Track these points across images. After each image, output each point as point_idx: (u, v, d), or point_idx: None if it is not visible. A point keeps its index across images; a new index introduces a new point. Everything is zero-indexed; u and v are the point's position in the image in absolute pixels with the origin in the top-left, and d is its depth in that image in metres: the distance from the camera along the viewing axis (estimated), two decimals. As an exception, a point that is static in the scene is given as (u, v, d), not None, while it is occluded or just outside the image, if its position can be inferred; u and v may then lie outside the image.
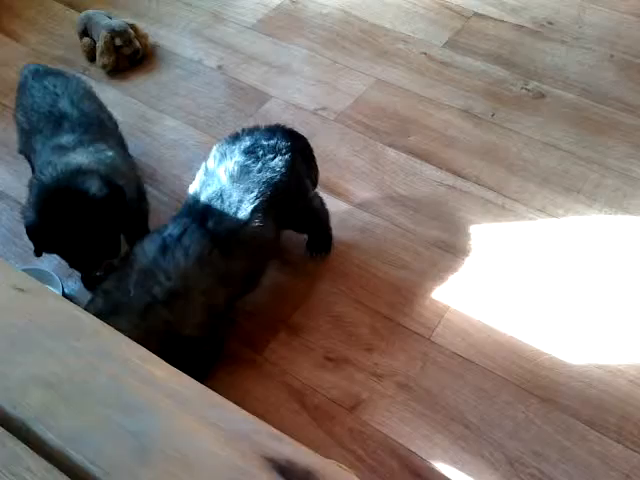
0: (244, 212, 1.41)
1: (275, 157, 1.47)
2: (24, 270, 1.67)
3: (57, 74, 1.71)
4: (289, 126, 1.64)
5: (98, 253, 1.44)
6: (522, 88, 2.10)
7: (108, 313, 1.32)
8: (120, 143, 1.70)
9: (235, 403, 1.41)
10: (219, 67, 2.28)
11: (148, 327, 1.34)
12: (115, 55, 2.24)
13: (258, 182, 1.44)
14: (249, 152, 1.47)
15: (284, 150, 1.49)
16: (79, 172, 1.41)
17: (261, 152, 1.47)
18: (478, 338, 1.56)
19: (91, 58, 2.31)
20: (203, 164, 1.51)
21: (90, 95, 1.70)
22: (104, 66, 2.25)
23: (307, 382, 1.52)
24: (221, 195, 1.42)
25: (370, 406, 1.48)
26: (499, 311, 1.60)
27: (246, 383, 1.52)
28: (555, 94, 2.08)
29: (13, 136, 2.04)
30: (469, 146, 1.95)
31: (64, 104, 1.58)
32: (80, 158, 1.46)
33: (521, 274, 1.66)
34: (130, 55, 2.27)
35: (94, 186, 1.39)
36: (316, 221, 1.67)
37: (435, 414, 1.45)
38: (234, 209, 1.41)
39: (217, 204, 1.41)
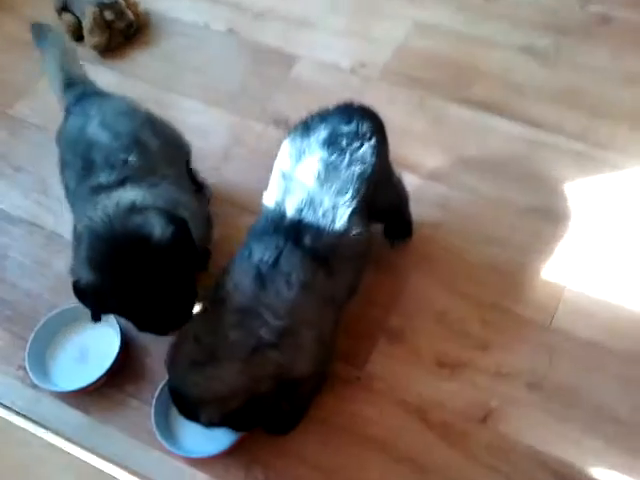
0: (341, 220, 1.18)
1: (361, 145, 1.23)
2: (70, 310, 1.44)
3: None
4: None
5: (175, 307, 1.20)
6: (583, 13, 1.85)
7: (205, 362, 1.12)
8: (182, 174, 1.43)
9: (346, 429, 1.22)
10: (229, 30, 1.98)
11: (255, 373, 1.13)
12: (108, 31, 1.92)
13: (349, 179, 1.20)
14: (330, 144, 1.22)
15: (368, 134, 1.25)
16: (134, 210, 1.16)
17: (344, 142, 1.22)
18: (605, 318, 1.38)
19: (77, 37, 1.98)
20: (276, 167, 1.26)
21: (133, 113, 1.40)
22: (96, 46, 1.93)
23: (424, 395, 1.33)
24: (311, 203, 1.18)
25: (503, 414, 1.30)
26: (622, 282, 1.41)
27: (353, 406, 1.33)
28: (621, 17, 1.83)
29: (14, 148, 1.77)
30: (541, 90, 1.71)
31: (93, 128, 1.31)
32: (131, 193, 1.20)
33: (636, 234, 1.47)
34: (124, 29, 1.95)
35: (157, 225, 1.15)
36: (400, 206, 1.44)
37: (578, 413, 1.28)
38: (330, 218, 1.18)
39: (309, 215, 1.17)
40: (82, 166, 1.27)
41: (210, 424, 1.16)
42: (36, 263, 1.57)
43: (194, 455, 1.27)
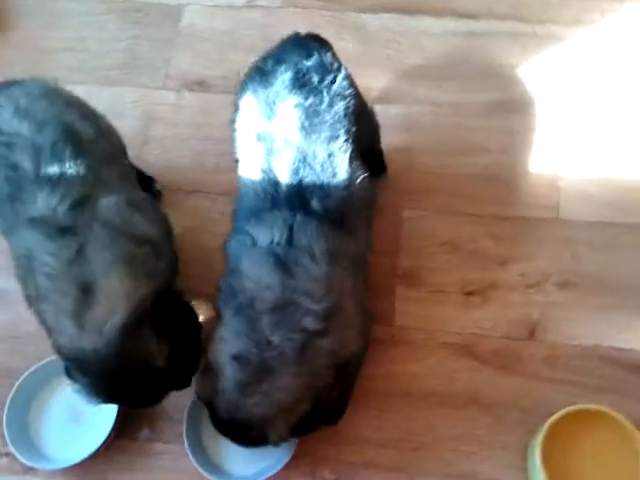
0: (342, 168, 1.02)
1: (335, 78, 1.06)
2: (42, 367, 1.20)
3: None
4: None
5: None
6: None
7: (256, 379, 0.95)
8: (126, 174, 1.16)
9: (397, 393, 1.10)
10: (91, -6, 1.67)
11: (311, 370, 0.98)
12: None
13: (336, 120, 1.04)
14: (300, 86, 1.03)
15: (335, 63, 1.08)
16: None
17: (315, 79, 1.04)
18: (606, 195, 1.33)
19: None
20: (242, 130, 1.07)
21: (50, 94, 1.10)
22: None
23: (463, 331, 1.24)
24: (304, 159, 1.01)
25: (547, 323, 1.24)
26: (610, 154, 1.37)
27: (396, 366, 1.23)
28: None
29: None
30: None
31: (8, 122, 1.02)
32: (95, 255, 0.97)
33: (601, 101, 1.42)
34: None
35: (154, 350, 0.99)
36: (374, 138, 1.29)
37: (616, 298, 1.25)
38: (330, 170, 1.02)
39: (307, 174, 1.00)
40: (5, 177, 0.99)
41: (280, 441, 1.01)
42: None
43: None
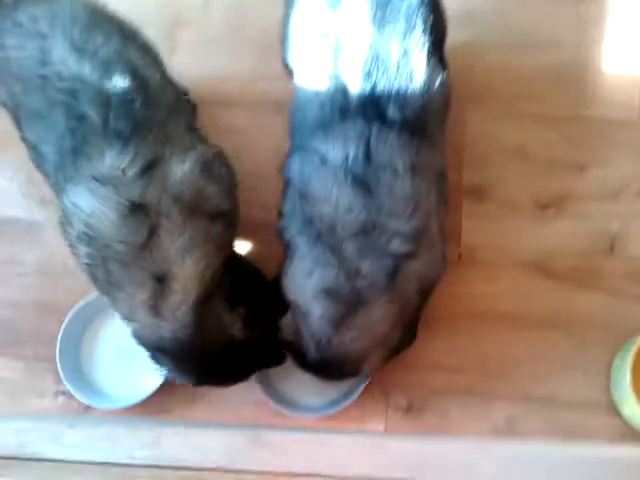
0: (420, 67, 0.89)
1: None
2: (87, 305, 1.14)
3: None
4: None
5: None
6: None
7: (350, 314, 0.87)
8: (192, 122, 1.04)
9: (469, 316, 1.02)
10: None
11: (403, 296, 0.90)
12: None
13: (412, 8, 0.90)
14: None
15: None
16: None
17: None
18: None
19: None
20: (301, 27, 0.96)
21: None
22: None
23: (537, 247, 1.16)
24: (377, 58, 0.88)
25: (628, 235, 1.15)
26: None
27: (465, 288, 1.14)
28: None
29: None
30: None
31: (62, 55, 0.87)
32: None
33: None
34: None
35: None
36: (444, 32, 1.14)
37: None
38: (406, 70, 0.89)
39: (381, 76, 0.88)
40: (66, 129, 0.87)
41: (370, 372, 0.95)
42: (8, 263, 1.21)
43: (328, 411, 1.08)
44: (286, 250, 0.92)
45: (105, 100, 0.86)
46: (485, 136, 1.21)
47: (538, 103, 1.22)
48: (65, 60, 0.86)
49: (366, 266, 0.86)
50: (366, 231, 0.86)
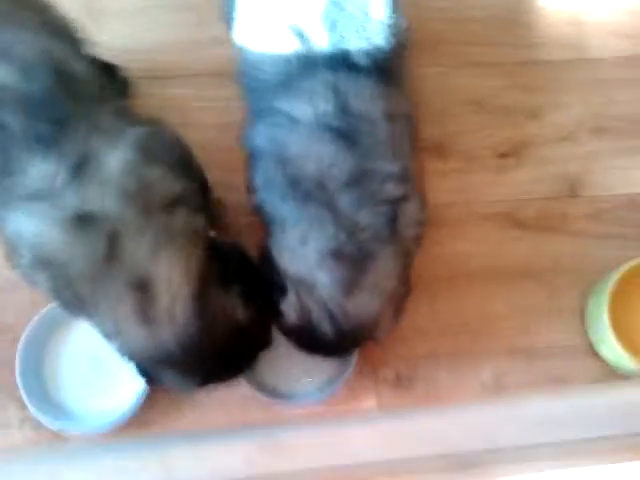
0: (383, 8, 0.86)
1: None
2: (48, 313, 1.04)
3: None
4: None
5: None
6: None
7: (360, 274, 0.81)
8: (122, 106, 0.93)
9: (444, 278, 1.02)
10: None
11: (404, 245, 0.86)
12: None
13: None
14: None
15: None
16: None
17: None
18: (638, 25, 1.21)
19: None
20: None
21: None
22: None
23: (503, 198, 1.15)
24: (336, 3, 0.84)
25: (586, 177, 1.16)
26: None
27: (435, 248, 1.11)
28: None
29: None
30: None
31: None
32: None
33: None
34: None
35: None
36: None
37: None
38: (369, 12, 0.85)
39: (340, 19, 0.84)
40: None
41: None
42: None
43: (322, 395, 1.04)
44: (269, 226, 0.86)
45: (23, 103, 0.75)
46: (440, 89, 1.17)
47: (482, 49, 1.19)
48: None
49: (364, 217, 0.81)
50: (357, 179, 0.81)
